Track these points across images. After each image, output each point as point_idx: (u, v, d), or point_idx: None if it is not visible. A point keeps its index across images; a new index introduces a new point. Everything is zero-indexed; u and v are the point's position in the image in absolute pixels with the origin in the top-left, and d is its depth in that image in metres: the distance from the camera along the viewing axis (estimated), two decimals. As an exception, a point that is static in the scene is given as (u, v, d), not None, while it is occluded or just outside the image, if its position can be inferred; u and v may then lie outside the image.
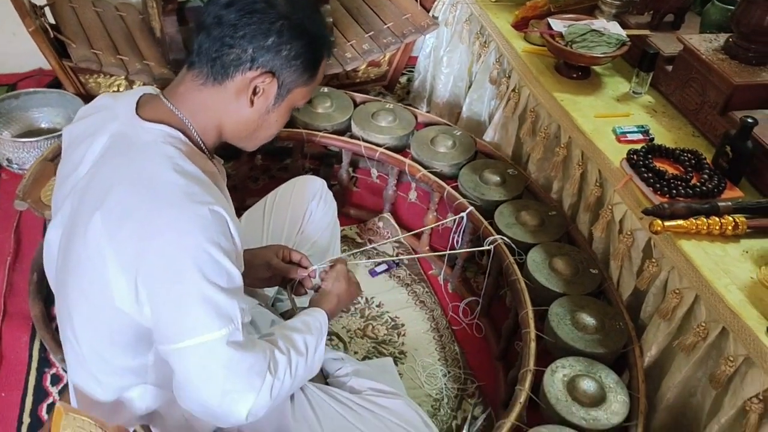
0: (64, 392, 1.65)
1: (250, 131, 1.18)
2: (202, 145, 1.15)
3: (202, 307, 1.03)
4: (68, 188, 1.17)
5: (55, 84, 2.43)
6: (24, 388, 1.67)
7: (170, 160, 1.06)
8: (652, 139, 1.79)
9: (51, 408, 1.62)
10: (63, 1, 2.37)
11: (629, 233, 1.63)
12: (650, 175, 1.61)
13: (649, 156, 1.67)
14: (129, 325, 1.10)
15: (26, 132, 2.25)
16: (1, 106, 2.19)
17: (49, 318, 1.77)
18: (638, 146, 1.72)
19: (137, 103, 1.15)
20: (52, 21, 2.30)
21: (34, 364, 1.72)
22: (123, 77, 2.18)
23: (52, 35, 2.12)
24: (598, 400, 1.45)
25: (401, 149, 2.18)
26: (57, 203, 1.22)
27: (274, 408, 1.39)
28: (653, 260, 1.56)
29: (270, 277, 1.50)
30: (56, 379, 1.70)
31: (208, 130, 1.15)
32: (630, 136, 1.80)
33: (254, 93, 1.12)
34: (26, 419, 1.60)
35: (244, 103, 1.12)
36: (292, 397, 1.36)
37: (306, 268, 1.48)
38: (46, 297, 1.81)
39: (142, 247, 1.02)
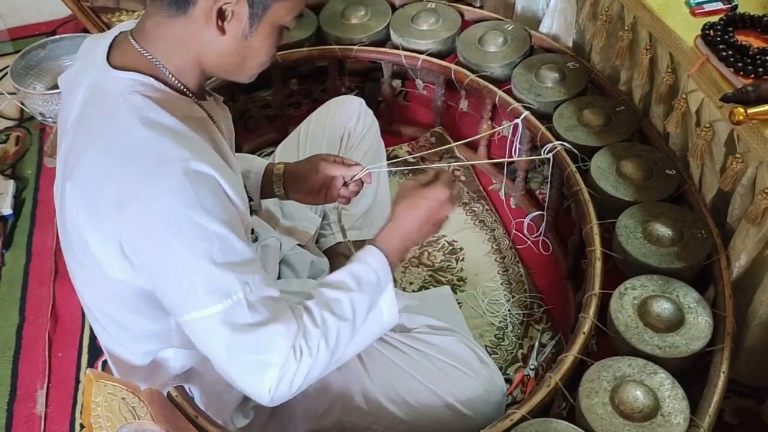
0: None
1: (234, 62, 1.03)
2: (181, 86, 1.02)
3: (191, 280, 0.93)
4: (60, 145, 1.08)
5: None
6: (79, 347, 1.66)
7: (137, 113, 0.94)
8: (735, 7, 1.49)
9: (105, 365, 1.61)
10: (78, -62, 2.25)
11: (708, 125, 1.38)
12: (731, 52, 1.33)
13: (730, 29, 1.38)
14: (132, 293, 1.03)
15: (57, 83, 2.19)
16: (29, 58, 2.12)
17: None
18: (718, 18, 1.43)
19: (110, 47, 1.03)
20: (68, -39, 2.18)
21: (87, 323, 1.70)
22: (142, 11, 2.06)
23: (65, -23, 2.01)
24: (676, 323, 1.26)
25: (447, 54, 1.96)
26: (57, 161, 1.14)
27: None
28: (737, 155, 1.31)
29: (320, 189, 1.34)
30: (110, 335, 1.69)
31: (185, 69, 1.01)
32: (707, 7, 1.50)
33: (222, 18, 0.96)
34: (83, 379, 1.60)
35: (215, 32, 0.97)
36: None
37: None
38: (94, 251, 1.78)
39: (119, 215, 0.93)
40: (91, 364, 1.63)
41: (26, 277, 1.82)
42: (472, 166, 1.99)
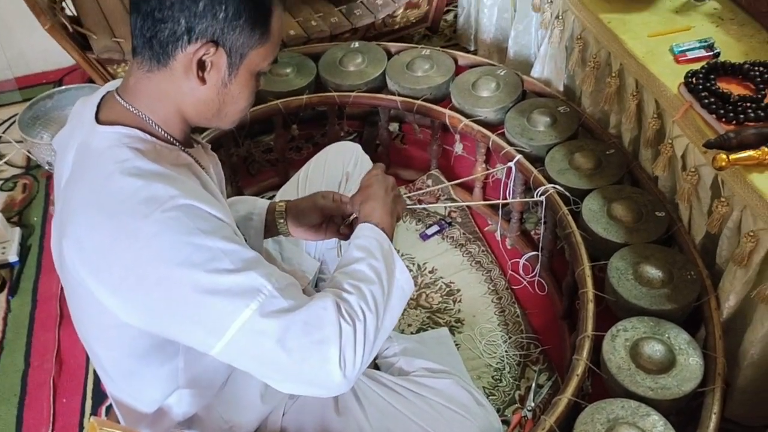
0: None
1: (215, 110, 1.05)
2: (167, 136, 1.04)
3: (215, 297, 0.92)
4: (56, 205, 1.12)
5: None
6: (83, 392, 1.69)
7: (124, 164, 0.96)
8: (717, 54, 1.55)
9: (109, 410, 1.63)
10: (84, -9, 2.33)
11: (693, 170, 1.42)
12: (713, 99, 1.39)
13: (711, 76, 1.44)
14: (142, 336, 1.04)
15: (65, 131, 2.25)
16: (36, 109, 2.18)
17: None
18: (700, 65, 1.49)
19: (98, 105, 1.06)
20: (73, 12, 2.25)
21: (92, 367, 1.73)
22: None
23: (71, 30, 2.08)
24: (667, 365, 1.29)
25: (442, 99, 2.02)
26: (54, 220, 1.17)
27: (316, 400, 1.33)
28: (723, 199, 1.35)
29: (320, 225, 1.38)
30: (114, 380, 1.71)
31: (170, 120, 1.04)
32: (690, 54, 1.56)
33: (202, 68, 0.99)
34: (86, 424, 1.62)
35: (196, 82, 0.99)
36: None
37: None
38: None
39: (121, 265, 0.94)
40: (95, 409, 1.65)
41: (32, 322, 1.85)
42: (468, 208, 2.03)
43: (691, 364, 1.28)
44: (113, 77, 2.18)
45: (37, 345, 1.79)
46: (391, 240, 1.15)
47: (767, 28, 1.59)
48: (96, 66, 2.12)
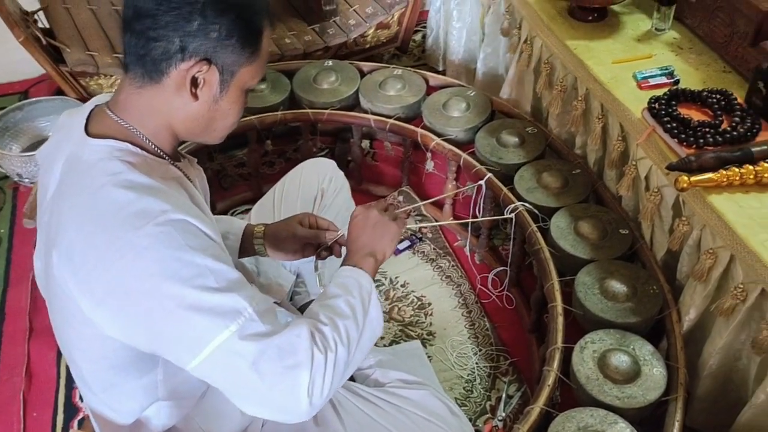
0: (94, 406, 1.65)
1: (204, 125, 1.08)
2: (158, 150, 1.07)
3: (199, 314, 0.95)
4: (41, 217, 1.12)
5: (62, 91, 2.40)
6: (54, 406, 1.68)
7: (116, 177, 0.98)
8: (677, 81, 1.64)
9: (81, 424, 1.62)
10: (56, 4, 2.33)
11: (656, 190, 1.50)
12: (675, 124, 1.47)
13: (673, 102, 1.53)
14: (124, 348, 1.05)
15: (36, 143, 2.23)
16: (6, 120, 2.17)
17: (74, 331, 1.77)
18: (662, 91, 1.57)
19: (87, 118, 1.08)
20: (46, 25, 2.25)
21: (63, 381, 1.72)
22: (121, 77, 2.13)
23: (44, 42, 2.08)
24: (632, 375, 1.36)
25: (414, 118, 2.08)
26: (38, 232, 1.18)
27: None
28: (684, 218, 1.43)
29: (299, 248, 1.41)
30: (86, 393, 1.70)
31: (160, 134, 1.06)
32: (653, 81, 1.65)
33: (195, 85, 1.02)
34: (59, 437, 1.62)
35: (188, 98, 1.02)
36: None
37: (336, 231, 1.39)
38: (69, 310, 1.80)
39: (109, 277, 0.96)
40: (66, 423, 1.64)
41: (0, 336, 1.83)
42: (439, 225, 2.08)
43: (655, 374, 1.35)
44: (85, 90, 2.18)
45: (6, 359, 1.77)
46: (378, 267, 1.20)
47: (723, 57, 1.69)
48: (68, 78, 2.12)
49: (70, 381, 1.72)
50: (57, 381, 1.72)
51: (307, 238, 1.40)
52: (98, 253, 0.96)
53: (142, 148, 1.05)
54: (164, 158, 1.09)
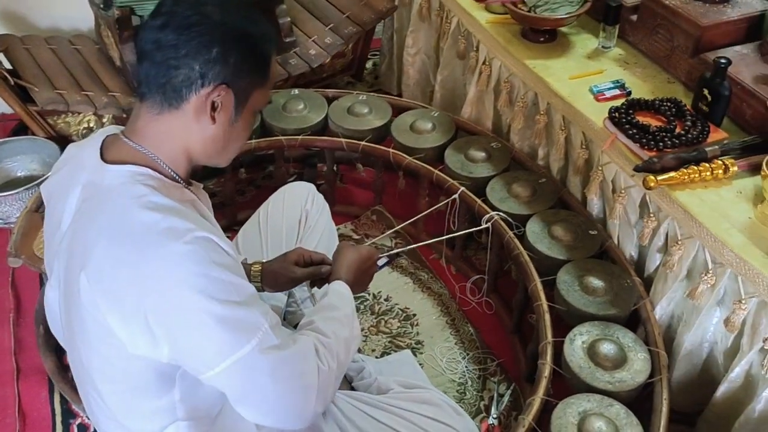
0: (93, 440, 1.65)
1: (220, 147, 1.15)
2: (174, 175, 1.13)
3: (224, 327, 1.02)
4: (55, 247, 1.16)
5: (22, 127, 2.38)
6: (52, 445, 1.67)
7: (141, 199, 1.04)
8: (629, 93, 1.80)
9: (84, 458, 1.62)
10: (16, 45, 2.32)
11: (623, 191, 1.64)
12: (635, 131, 1.62)
13: (631, 111, 1.68)
14: (147, 367, 1.09)
15: (4, 184, 2.21)
16: (-28, 162, 2.15)
17: (64, 368, 1.76)
18: (617, 102, 1.72)
19: (101, 148, 1.13)
20: (8, 66, 2.25)
21: (59, 418, 1.71)
22: (91, 113, 2.15)
23: (12, 82, 2.08)
24: (620, 361, 1.47)
25: (383, 139, 2.17)
26: (49, 263, 1.21)
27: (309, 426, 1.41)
28: (651, 215, 1.57)
29: (295, 284, 1.52)
30: (83, 429, 1.70)
31: (177, 159, 1.12)
32: (607, 93, 1.80)
33: (213, 109, 1.09)
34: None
35: (206, 122, 1.09)
36: (324, 412, 1.36)
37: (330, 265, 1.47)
38: (56, 347, 1.79)
39: (140, 292, 1.01)
40: (66, 459, 1.64)
41: (-14, 379, 1.80)
42: (413, 239, 2.17)
43: (639, 359, 1.48)
44: (53, 128, 2.18)
45: (-4, 401, 1.75)
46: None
47: (666, 69, 1.87)
48: (36, 118, 2.12)
49: (65, 417, 1.72)
50: (52, 419, 1.71)
51: (306, 277, 1.48)
52: (128, 271, 1.01)
53: (160, 173, 1.11)
54: (179, 182, 1.15)
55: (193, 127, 1.10)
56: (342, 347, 1.18)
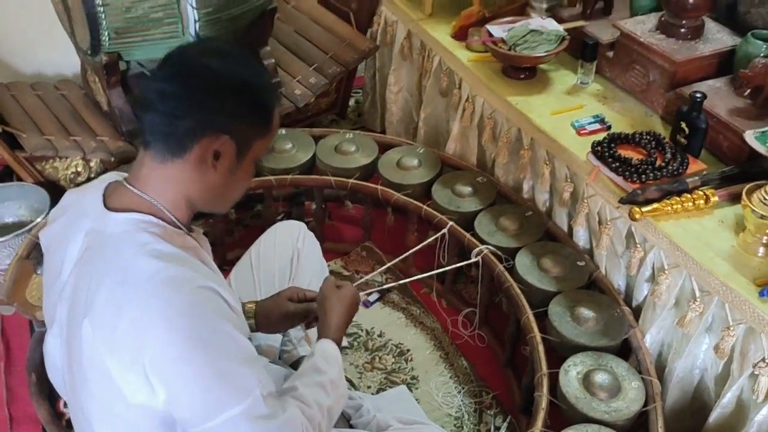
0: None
1: (219, 195, 1.17)
2: (176, 222, 1.14)
3: (215, 384, 1.02)
4: (55, 295, 1.16)
5: (6, 173, 2.38)
6: (49, 495, 1.64)
7: (145, 247, 1.06)
8: (609, 127, 1.86)
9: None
10: (2, 91, 2.34)
11: (609, 223, 1.69)
12: (618, 164, 1.67)
13: (612, 145, 1.73)
14: (148, 416, 1.09)
15: (-6, 230, 2.20)
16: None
17: (58, 416, 1.75)
18: (598, 136, 1.78)
19: (104, 195, 1.14)
20: (-6, 114, 2.26)
21: (54, 467, 1.69)
22: (79, 158, 2.16)
23: (0, 130, 2.08)
24: (615, 390, 1.50)
25: (370, 176, 2.21)
26: (48, 311, 1.21)
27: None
28: (637, 245, 1.62)
29: (289, 323, 1.52)
30: (79, 477, 1.68)
31: (178, 206, 1.14)
32: (589, 128, 1.86)
33: (215, 158, 1.11)
34: None
35: (208, 170, 1.11)
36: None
37: None
38: (49, 395, 1.78)
39: (140, 342, 1.01)
40: None
41: (-22, 430, 1.78)
42: (403, 274, 2.19)
43: (633, 387, 1.51)
44: (41, 174, 2.19)
45: (-11, 452, 1.73)
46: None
47: (643, 103, 1.93)
48: (24, 164, 2.12)
49: (61, 467, 1.70)
50: (47, 468, 1.69)
51: (299, 315, 1.50)
52: (129, 320, 1.02)
53: (163, 220, 1.12)
54: (181, 229, 1.17)
55: (195, 175, 1.11)
56: (325, 418, 1.20)
